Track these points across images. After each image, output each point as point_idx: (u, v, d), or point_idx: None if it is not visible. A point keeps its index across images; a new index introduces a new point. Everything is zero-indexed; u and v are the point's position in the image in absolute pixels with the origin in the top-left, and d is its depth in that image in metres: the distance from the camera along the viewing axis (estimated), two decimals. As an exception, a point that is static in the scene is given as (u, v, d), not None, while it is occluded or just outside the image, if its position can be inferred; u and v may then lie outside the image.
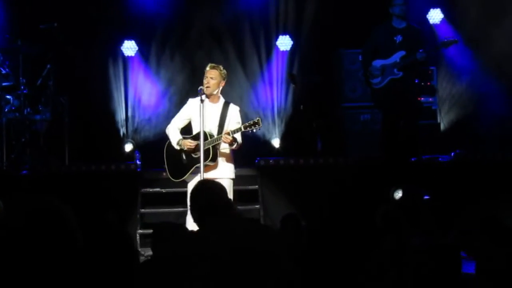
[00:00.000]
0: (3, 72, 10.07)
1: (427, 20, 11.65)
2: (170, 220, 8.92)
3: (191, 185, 7.78)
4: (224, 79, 7.84)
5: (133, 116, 11.61)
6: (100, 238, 3.61)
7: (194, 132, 7.79)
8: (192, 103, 7.88)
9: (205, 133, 7.43)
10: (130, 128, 11.59)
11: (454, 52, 11.29)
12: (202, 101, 7.42)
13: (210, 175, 7.47)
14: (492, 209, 8.29)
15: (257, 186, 9.68)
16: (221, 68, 7.86)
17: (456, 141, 10.67)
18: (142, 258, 7.88)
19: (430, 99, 11.18)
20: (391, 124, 9.91)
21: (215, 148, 7.63)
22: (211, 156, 7.57)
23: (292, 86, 11.28)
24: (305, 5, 11.68)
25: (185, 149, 7.71)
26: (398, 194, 8.72)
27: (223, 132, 7.57)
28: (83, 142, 10.87)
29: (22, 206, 2.06)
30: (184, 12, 11.62)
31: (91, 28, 11.12)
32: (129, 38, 11.57)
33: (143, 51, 11.64)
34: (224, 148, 7.74)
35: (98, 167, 9.70)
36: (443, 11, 11.70)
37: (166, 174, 8.00)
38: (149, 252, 7.89)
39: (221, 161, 7.75)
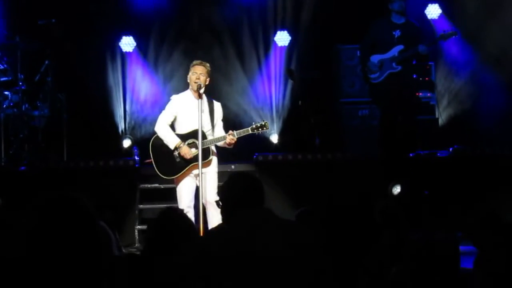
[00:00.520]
0: (1, 68, 10.06)
1: (425, 15, 11.64)
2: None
3: (181, 183, 7.73)
4: (209, 76, 7.83)
5: (131, 112, 11.61)
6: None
7: (183, 128, 7.77)
8: (177, 100, 7.86)
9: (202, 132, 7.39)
10: (128, 124, 11.59)
11: (452, 47, 11.30)
12: (200, 96, 7.41)
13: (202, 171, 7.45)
14: (491, 204, 8.30)
15: (255, 182, 9.66)
16: (208, 65, 7.85)
17: (455, 136, 10.68)
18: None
19: (428, 94, 11.18)
20: (389, 119, 9.90)
21: (211, 146, 7.66)
22: (210, 155, 7.60)
23: (290, 81, 11.29)
24: (303, 0, 11.67)
25: (183, 156, 7.66)
26: (397, 190, 8.72)
27: (229, 133, 7.57)
28: (81, 138, 10.86)
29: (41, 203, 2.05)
30: (182, 7, 11.62)
31: (89, 24, 11.11)
32: (127, 34, 11.57)
33: (141, 46, 11.63)
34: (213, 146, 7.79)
35: (96, 163, 9.69)
36: (441, 6, 11.69)
37: (154, 169, 7.89)
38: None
39: (213, 158, 7.78)
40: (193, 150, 7.62)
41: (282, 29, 11.76)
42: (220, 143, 7.70)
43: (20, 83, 9.95)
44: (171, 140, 7.74)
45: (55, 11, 10.37)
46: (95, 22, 11.19)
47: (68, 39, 10.42)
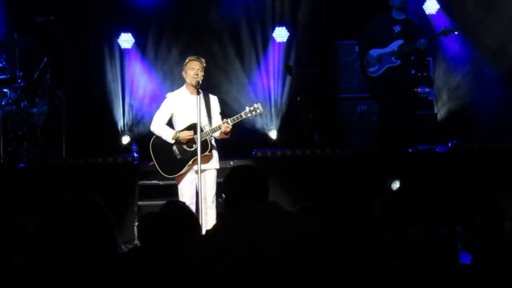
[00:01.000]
0: (0, 65, 10.06)
1: (423, 10, 11.64)
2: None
3: (183, 179, 7.75)
4: (204, 71, 7.82)
5: (130, 109, 11.61)
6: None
7: (182, 124, 7.76)
8: (173, 97, 7.86)
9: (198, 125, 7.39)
10: (127, 121, 11.59)
11: (450, 42, 11.30)
12: (199, 93, 7.40)
13: (204, 166, 7.45)
14: (490, 199, 8.31)
15: (254, 178, 9.66)
16: (203, 60, 7.85)
17: (453, 131, 10.69)
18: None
19: (427, 90, 11.18)
20: (388, 114, 9.91)
21: (210, 138, 7.65)
22: (209, 147, 7.59)
23: (288, 77, 11.29)
24: (302, -4, 11.69)
25: (184, 141, 7.66)
26: (396, 185, 8.74)
27: (223, 122, 7.56)
28: (80, 134, 10.87)
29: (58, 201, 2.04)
30: (181, 4, 11.61)
31: (87, 20, 11.10)
32: (125, 31, 11.56)
33: (139, 43, 11.63)
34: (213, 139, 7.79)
35: (95, 160, 9.70)
36: (439, 1, 11.69)
37: (158, 171, 7.87)
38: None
39: (213, 152, 7.78)
40: (192, 145, 7.63)
41: (281, 25, 11.76)
42: (217, 134, 7.69)
43: (19, 80, 9.95)
44: (167, 134, 7.73)
45: (53, 8, 10.35)
46: (93, 19, 11.17)
47: (67, 37, 10.39)
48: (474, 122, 11.18)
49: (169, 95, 7.94)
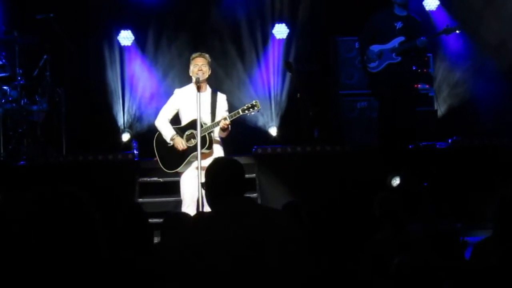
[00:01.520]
0: (0, 63, 10.06)
1: (423, 7, 11.62)
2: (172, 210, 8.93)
3: (185, 176, 7.78)
4: (210, 67, 7.85)
5: (130, 106, 11.60)
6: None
7: (184, 121, 7.81)
8: (180, 93, 7.90)
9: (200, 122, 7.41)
10: (127, 118, 11.58)
11: (450, 38, 11.28)
12: (199, 89, 7.41)
13: (204, 163, 7.46)
14: (490, 196, 8.30)
15: (254, 175, 9.68)
16: (207, 55, 7.87)
17: (453, 128, 10.68)
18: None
19: (427, 86, 11.17)
20: (388, 111, 9.91)
21: (210, 135, 7.65)
22: (207, 143, 7.58)
23: (288, 74, 11.28)
24: (301, -7, 11.67)
25: (176, 147, 7.70)
26: (396, 181, 8.74)
27: (221, 118, 7.58)
28: (80, 132, 10.87)
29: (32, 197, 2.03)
30: (180, 1, 11.60)
31: (87, 18, 11.09)
32: (125, 28, 11.55)
33: (139, 40, 11.62)
34: (217, 135, 7.79)
35: (95, 157, 9.71)
36: (439, -3, 11.69)
37: (159, 165, 7.95)
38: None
39: (215, 148, 7.77)
40: (192, 140, 7.65)
41: (280, 21, 11.75)
42: (216, 130, 7.70)
43: (19, 78, 9.95)
44: (166, 133, 7.81)
45: (53, 6, 10.35)
46: (93, 16, 11.16)
47: (67, 34, 10.38)
48: (474, 118, 11.18)
49: (177, 91, 7.99)
